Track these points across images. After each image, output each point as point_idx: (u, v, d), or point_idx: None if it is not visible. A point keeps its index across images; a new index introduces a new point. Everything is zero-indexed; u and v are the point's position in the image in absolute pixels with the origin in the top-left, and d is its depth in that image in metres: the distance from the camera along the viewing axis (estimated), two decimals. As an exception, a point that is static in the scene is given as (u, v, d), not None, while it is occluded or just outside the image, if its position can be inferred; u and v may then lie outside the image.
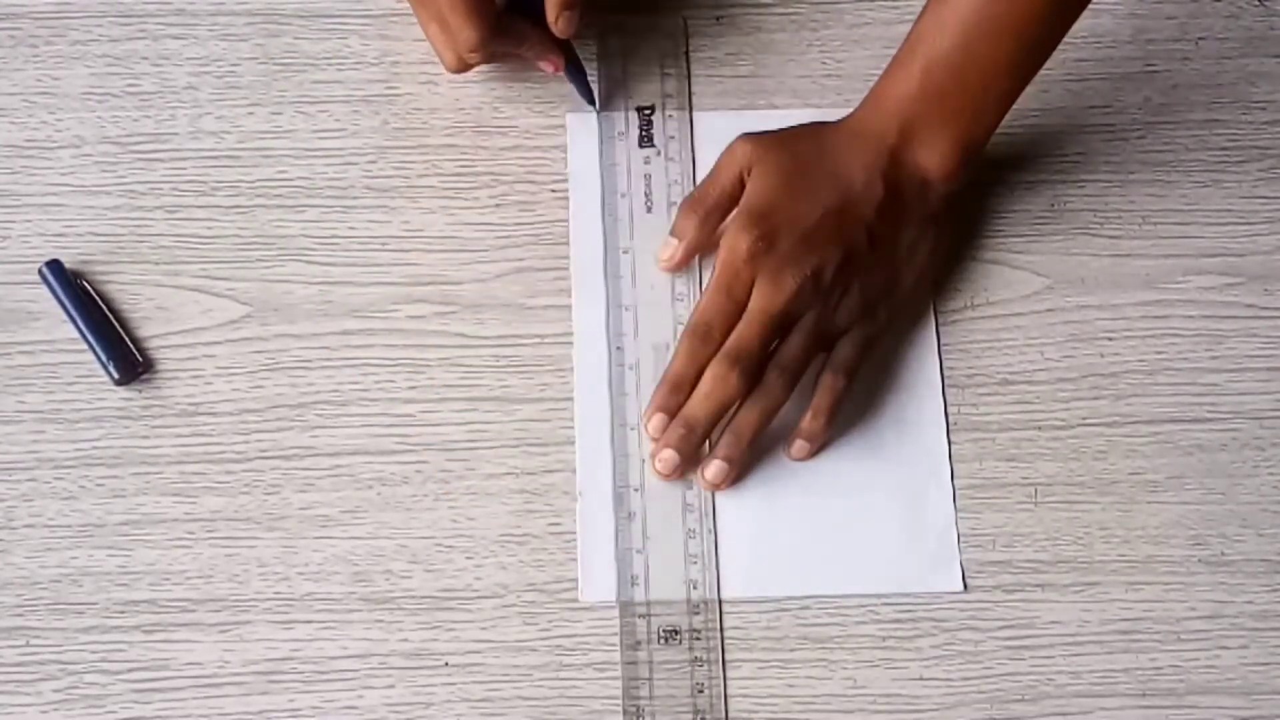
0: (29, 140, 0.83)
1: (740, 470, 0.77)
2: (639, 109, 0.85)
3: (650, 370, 0.79)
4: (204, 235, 0.82)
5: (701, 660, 0.74)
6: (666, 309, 0.81)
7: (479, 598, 0.76)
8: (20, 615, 0.75)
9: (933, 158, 0.79)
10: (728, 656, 0.75)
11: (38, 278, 0.80)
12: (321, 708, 0.73)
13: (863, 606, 0.76)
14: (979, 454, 0.79)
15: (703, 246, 0.80)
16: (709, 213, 0.80)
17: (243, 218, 0.82)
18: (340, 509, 0.77)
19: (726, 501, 0.77)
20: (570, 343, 0.80)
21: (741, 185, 0.79)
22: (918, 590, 0.76)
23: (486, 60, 0.81)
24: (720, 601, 0.76)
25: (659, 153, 0.84)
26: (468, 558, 0.76)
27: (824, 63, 0.87)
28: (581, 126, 0.84)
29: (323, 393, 0.79)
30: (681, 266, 0.81)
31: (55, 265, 0.80)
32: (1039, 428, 0.79)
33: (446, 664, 0.74)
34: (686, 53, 0.86)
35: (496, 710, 0.74)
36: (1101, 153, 0.85)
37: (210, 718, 0.73)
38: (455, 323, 0.80)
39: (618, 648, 0.75)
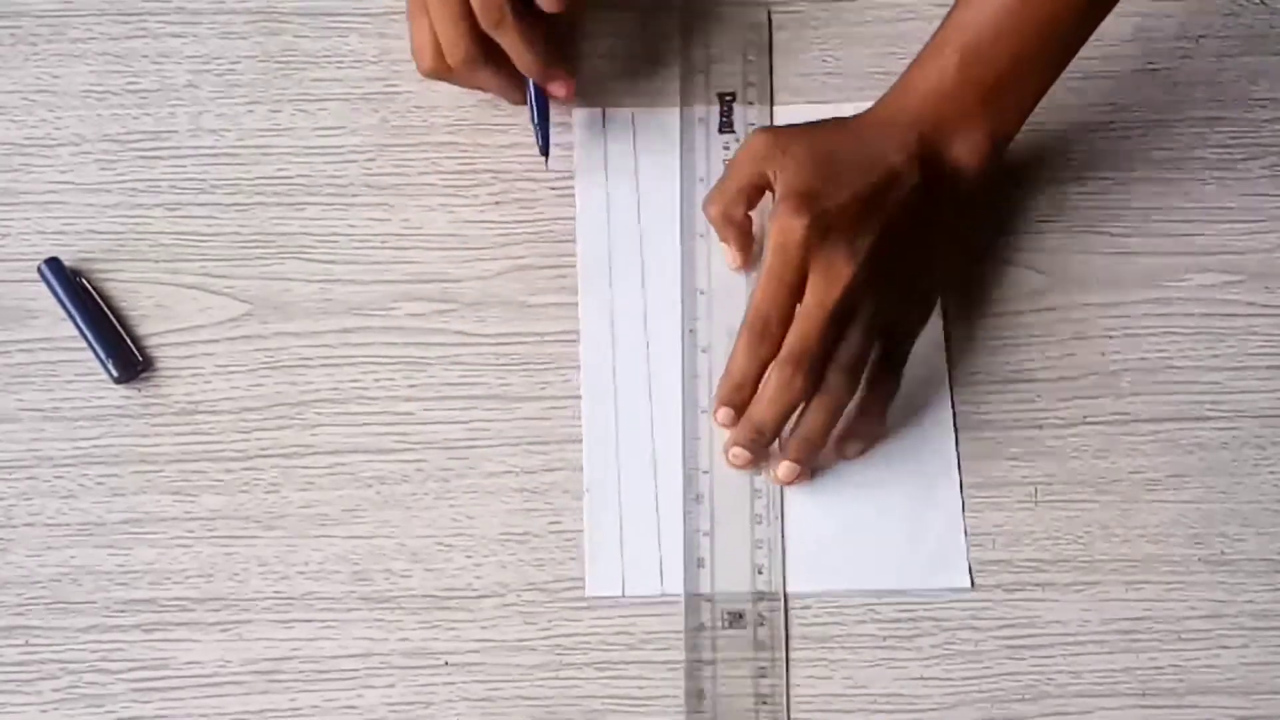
0: (29, 138, 0.83)
1: (811, 468, 0.77)
2: (720, 95, 0.85)
3: (723, 354, 0.78)
4: (203, 233, 0.82)
5: (765, 645, 0.75)
6: (741, 293, 0.80)
7: (479, 597, 0.75)
8: (20, 615, 0.75)
9: (965, 148, 0.78)
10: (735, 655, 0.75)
11: (37, 276, 0.80)
12: (321, 707, 0.73)
13: (863, 606, 0.76)
14: (981, 453, 0.79)
15: (746, 234, 0.80)
16: (732, 201, 0.79)
17: (242, 215, 0.82)
18: (340, 508, 0.77)
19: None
20: (571, 340, 0.80)
21: (761, 177, 0.78)
22: (925, 587, 0.76)
23: (465, 77, 0.80)
24: (785, 587, 0.76)
25: (738, 139, 0.84)
26: (468, 557, 0.76)
27: (824, 60, 0.86)
28: (588, 121, 0.84)
29: (322, 391, 0.79)
30: (749, 263, 0.80)
31: (55, 263, 0.80)
32: (1040, 427, 0.79)
33: (446, 664, 0.74)
34: (770, 42, 0.86)
35: (496, 710, 0.74)
36: (1102, 151, 0.84)
37: (210, 718, 0.73)
38: (455, 320, 0.80)
39: (618, 647, 0.75)
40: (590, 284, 0.81)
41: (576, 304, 0.81)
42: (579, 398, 0.79)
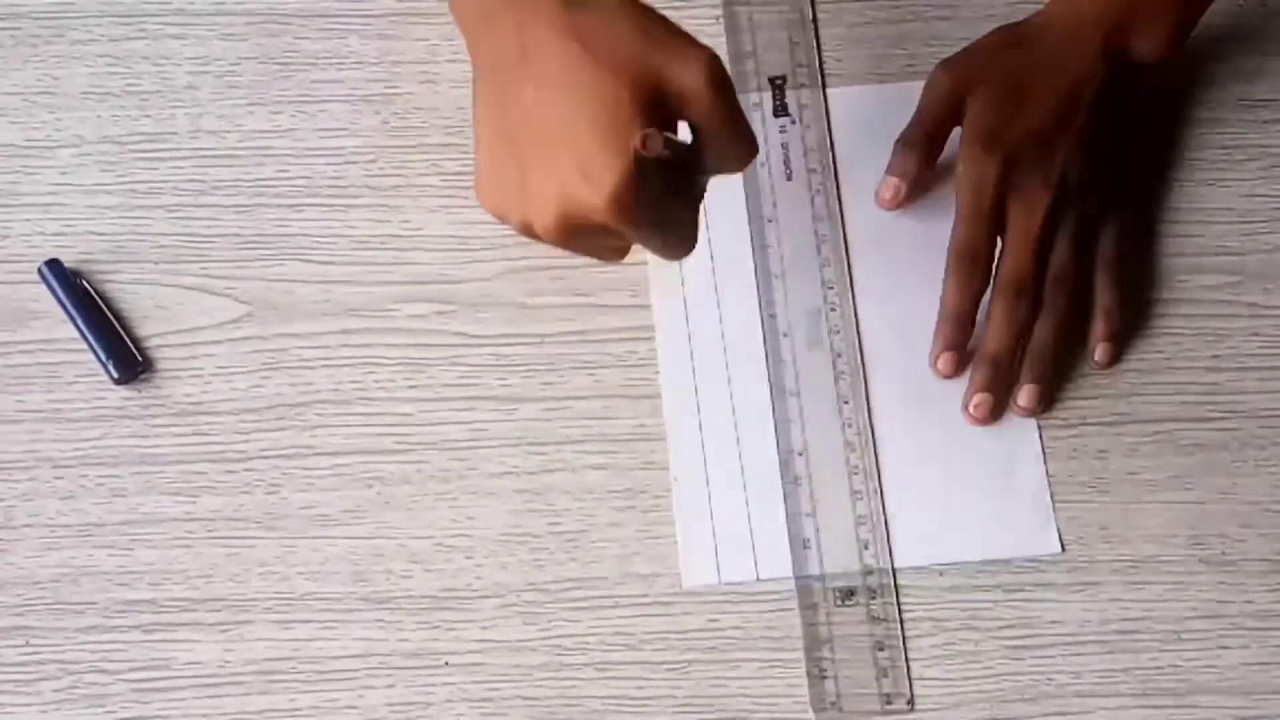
0: (29, 140, 0.83)
1: (1050, 389, 0.78)
2: (771, 79, 0.85)
3: (804, 337, 0.80)
4: (204, 234, 0.82)
5: (879, 618, 0.75)
6: (814, 274, 0.81)
7: (479, 598, 0.76)
8: (20, 615, 0.75)
9: (1149, 41, 0.79)
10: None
11: (38, 277, 0.80)
12: (321, 708, 0.74)
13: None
14: (979, 453, 0.79)
15: (923, 180, 0.81)
16: (927, 148, 0.80)
17: (242, 217, 0.82)
18: (340, 509, 0.77)
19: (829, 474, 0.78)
20: (570, 341, 0.80)
21: (953, 114, 0.79)
22: (1018, 555, 0.76)
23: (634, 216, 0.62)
24: (893, 559, 0.76)
25: (794, 121, 0.84)
26: (468, 557, 0.76)
27: (824, 62, 0.86)
28: None
29: (322, 392, 0.79)
30: (905, 203, 0.81)
31: (55, 264, 0.80)
32: (1039, 427, 0.79)
33: (446, 664, 0.74)
34: (815, 21, 0.86)
35: (496, 710, 0.74)
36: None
37: (210, 718, 0.73)
38: (455, 322, 0.80)
39: (618, 648, 0.75)
40: (661, 276, 0.81)
41: (575, 304, 0.81)
42: (578, 398, 0.79)
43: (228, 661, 0.74)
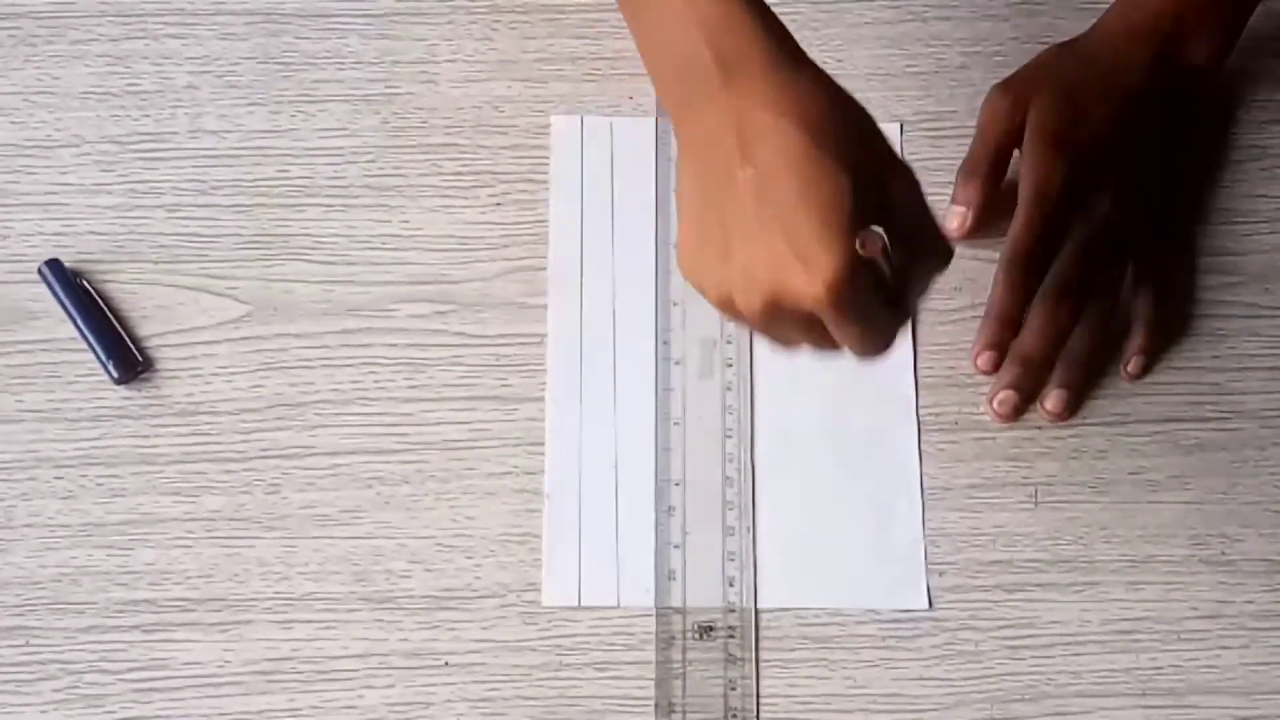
0: (29, 139, 0.83)
1: (1079, 397, 0.78)
2: None
3: (695, 365, 0.79)
4: (204, 234, 0.82)
5: (735, 658, 0.74)
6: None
7: (479, 598, 0.76)
8: (20, 615, 0.75)
9: (1203, 49, 0.80)
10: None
11: (37, 277, 0.80)
12: (321, 708, 0.73)
13: (863, 606, 0.76)
14: (979, 454, 0.79)
15: (990, 208, 0.80)
16: (989, 174, 0.80)
17: (242, 217, 0.82)
18: (340, 509, 0.77)
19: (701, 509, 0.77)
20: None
21: (1013, 134, 0.79)
22: (885, 607, 0.76)
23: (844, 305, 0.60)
24: (756, 599, 0.76)
25: None
26: (468, 557, 0.76)
27: (824, 62, 0.86)
28: (565, 129, 0.84)
29: (322, 392, 0.79)
30: (974, 233, 0.80)
31: (55, 264, 0.80)
32: (1039, 427, 0.79)
33: (446, 664, 0.74)
34: None
35: (496, 710, 0.74)
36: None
37: (210, 718, 0.73)
38: (455, 322, 0.80)
39: (618, 648, 0.75)
40: (560, 290, 0.81)
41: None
42: (579, 398, 0.79)
43: (228, 661, 0.74)
